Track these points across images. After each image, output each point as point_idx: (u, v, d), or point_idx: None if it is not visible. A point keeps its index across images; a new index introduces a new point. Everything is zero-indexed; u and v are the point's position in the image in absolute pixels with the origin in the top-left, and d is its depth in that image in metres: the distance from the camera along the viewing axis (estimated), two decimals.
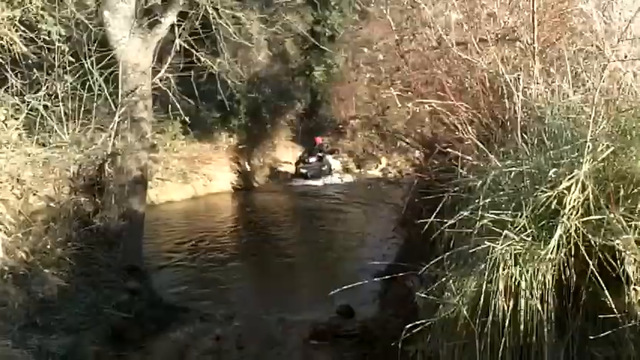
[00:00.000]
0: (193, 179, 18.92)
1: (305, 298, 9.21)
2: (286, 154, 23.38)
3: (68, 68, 8.53)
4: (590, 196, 2.87)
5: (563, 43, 4.00)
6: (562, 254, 2.94)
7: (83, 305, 7.26)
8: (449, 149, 4.49)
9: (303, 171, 22.30)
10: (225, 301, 9.65)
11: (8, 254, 6.78)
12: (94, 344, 6.76)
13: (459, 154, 3.97)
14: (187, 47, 10.57)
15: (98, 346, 6.77)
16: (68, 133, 8.34)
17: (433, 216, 3.63)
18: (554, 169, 3.10)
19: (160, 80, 10.26)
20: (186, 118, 12.74)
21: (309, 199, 19.66)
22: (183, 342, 7.41)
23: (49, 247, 7.19)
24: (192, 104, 12.95)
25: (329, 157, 23.41)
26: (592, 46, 3.68)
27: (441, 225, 3.52)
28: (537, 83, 3.65)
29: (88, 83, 8.73)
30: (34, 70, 8.41)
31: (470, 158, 3.92)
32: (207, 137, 19.63)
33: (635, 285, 2.64)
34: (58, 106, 8.29)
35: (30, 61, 8.62)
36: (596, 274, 2.80)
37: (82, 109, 8.54)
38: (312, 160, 22.62)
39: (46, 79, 8.31)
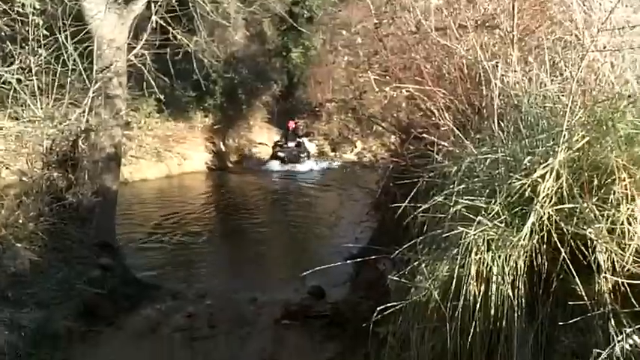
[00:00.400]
0: (167, 158, 18.80)
1: (277, 278, 9.23)
2: (262, 135, 23.26)
3: (42, 42, 8.37)
4: (564, 184, 2.90)
5: (543, 31, 4.03)
6: (534, 241, 2.97)
7: (55, 280, 7.23)
8: (425, 135, 4.51)
9: (281, 155, 21.84)
10: (197, 279, 9.66)
11: None
12: (66, 319, 6.74)
13: (435, 139, 3.99)
14: (164, 24, 10.44)
15: (70, 321, 6.76)
16: (41, 108, 8.24)
17: (407, 200, 3.64)
18: (529, 157, 3.12)
19: (136, 57, 10.14)
20: (161, 97, 12.68)
21: (283, 181, 19.64)
22: (155, 319, 7.40)
23: (21, 221, 7.14)
24: (168, 82, 12.89)
25: (306, 142, 23.01)
26: (571, 35, 3.70)
27: (414, 209, 3.54)
28: (515, 71, 3.67)
29: (62, 58, 8.59)
30: (8, 43, 8.28)
31: (445, 144, 3.94)
32: (182, 116, 19.50)
33: (605, 273, 2.68)
34: (31, 80, 8.17)
35: (3, 34, 8.49)
36: (568, 262, 2.84)
37: (56, 83, 8.42)
38: (291, 144, 22.18)
39: (20, 53, 8.18)
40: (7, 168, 7.55)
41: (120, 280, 8.39)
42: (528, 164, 3.09)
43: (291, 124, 23.04)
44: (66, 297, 7.11)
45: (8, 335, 5.88)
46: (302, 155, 22.22)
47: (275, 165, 21.88)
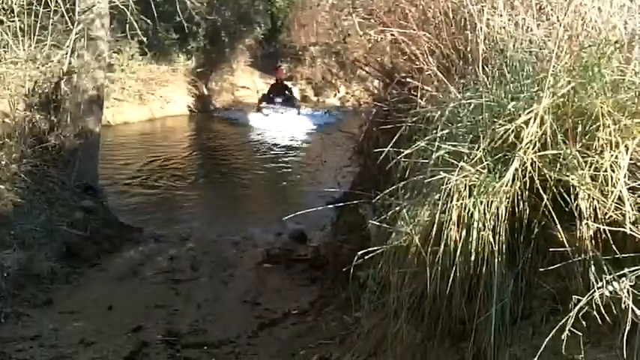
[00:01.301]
0: (150, 101, 18.68)
1: (259, 222, 9.25)
2: (245, 79, 23.06)
3: None
4: (548, 130, 2.87)
5: None
6: (516, 187, 2.96)
7: (38, 222, 7.28)
8: (408, 79, 4.46)
9: (266, 112, 20.08)
10: (180, 222, 9.66)
11: None
12: (49, 260, 6.82)
13: (419, 84, 3.94)
14: None
15: (53, 262, 6.82)
16: (24, 50, 8.16)
17: (390, 145, 3.61)
18: (514, 103, 3.09)
19: None
20: (144, 39, 12.51)
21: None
22: (138, 260, 7.47)
23: (3, 162, 7.16)
24: (150, 25, 12.67)
25: (296, 93, 21.50)
26: None
27: (397, 155, 3.51)
28: (501, 15, 3.61)
29: None
30: None
31: (429, 89, 3.89)
32: (164, 59, 19.29)
33: (587, 220, 2.68)
34: (13, 21, 8.08)
35: None
36: (550, 209, 2.84)
37: (38, 25, 8.32)
38: (279, 100, 20.31)
39: None
40: None
41: (102, 222, 8.45)
42: (512, 110, 3.06)
43: (281, 73, 21.74)
44: (49, 238, 7.17)
45: None
46: (289, 112, 20.18)
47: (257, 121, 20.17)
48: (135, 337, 5.52)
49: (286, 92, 20.66)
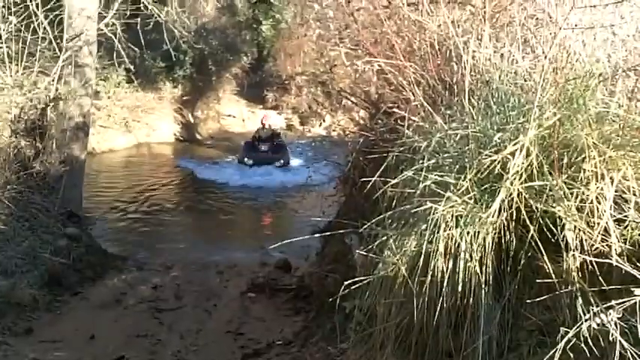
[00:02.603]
0: (136, 128, 18.63)
1: (244, 251, 9.20)
2: (231, 107, 23.11)
3: (13, 9, 8.29)
4: (534, 162, 2.89)
5: (515, 8, 4.01)
6: (503, 218, 2.97)
7: (21, 249, 7.24)
8: (395, 109, 4.48)
9: (248, 162, 16.87)
10: (163, 251, 9.59)
11: None
12: (31, 287, 6.74)
13: (405, 114, 3.96)
14: None
15: (35, 290, 6.74)
16: (11, 76, 8.19)
17: (376, 175, 3.62)
18: (500, 134, 3.11)
19: (106, 26, 10.04)
20: (131, 67, 12.56)
21: None
22: (121, 289, 7.40)
23: None
24: (138, 53, 12.73)
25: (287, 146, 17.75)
26: (543, 12, 3.69)
27: (384, 184, 3.52)
28: (487, 47, 3.65)
29: (32, 26, 8.54)
30: None
31: (416, 119, 3.91)
32: (151, 87, 19.30)
33: (573, 251, 2.69)
34: (1, 47, 8.12)
35: None
36: (536, 239, 2.85)
37: (26, 51, 8.39)
38: (264, 148, 17.27)
39: None
40: None
41: (86, 249, 8.38)
42: (499, 141, 3.08)
43: (265, 118, 18.38)
44: (31, 266, 7.11)
45: None
46: (277, 164, 16.89)
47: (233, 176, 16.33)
48: None
49: (273, 139, 17.47)
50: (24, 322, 6.28)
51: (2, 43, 8.12)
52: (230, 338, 6.29)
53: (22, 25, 8.39)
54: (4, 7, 8.22)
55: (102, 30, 9.89)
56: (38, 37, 8.61)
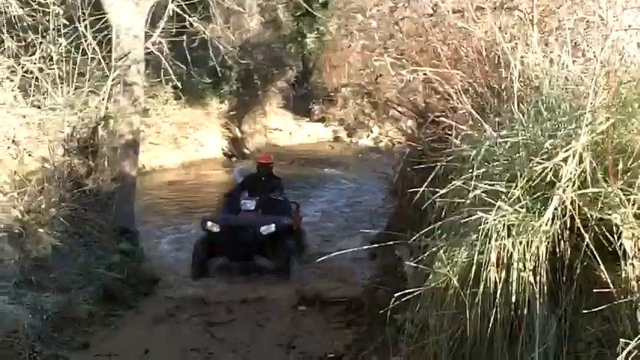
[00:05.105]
0: (184, 145, 18.83)
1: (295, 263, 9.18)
2: (277, 121, 23.21)
3: (62, 31, 8.52)
4: (588, 168, 2.83)
5: (564, 11, 3.94)
6: (556, 227, 2.91)
7: (76, 265, 7.39)
8: (442, 118, 4.44)
9: (214, 229, 9.33)
10: (214, 266, 9.61)
11: (4, 213, 6.94)
12: (87, 303, 6.86)
13: (453, 123, 3.92)
14: (180, 12, 10.45)
15: (91, 305, 6.86)
16: (62, 96, 8.42)
17: (425, 185, 3.58)
18: (551, 141, 3.05)
19: (153, 45, 10.19)
20: (178, 84, 12.71)
21: (305, 166, 19.31)
22: (173, 303, 7.44)
23: (43, 207, 7.32)
24: (184, 69, 12.89)
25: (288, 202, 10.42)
26: (594, 15, 3.61)
27: (432, 194, 3.48)
28: (535, 53, 3.59)
29: (81, 46, 8.77)
30: (29, 32, 8.42)
31: (464, 128, 3.87)
32: (198, 103, 19.49)
33: (632, 260, 2.61)
34: (52, 68, 8.35)
35: (25, 24, 8.60)
36: (592, 248, 2.77)
37: (76, 72, 8.59)
38: (249, 203, 9.58)
39: (41, 42, 8.38)
40: (29, 155, 7.70)
41: (138, 265, 8.50)
42: (550, 147, 3.02)
43: (268, 158, 11.00)
44: (86, 281, 7.25)
45: (31, 318, 5.96)
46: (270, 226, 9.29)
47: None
48: None
49: (269, 189, 9.96)
50: (80, 336, 6.39)
51: (54, 64, 8.32)
52: (282, 352, 6.28)
53: (71, 47, 8.59)
54: (54, 29, 8.42)
55: (149, 48, 10.05)
56: (88, 58, 8.81)
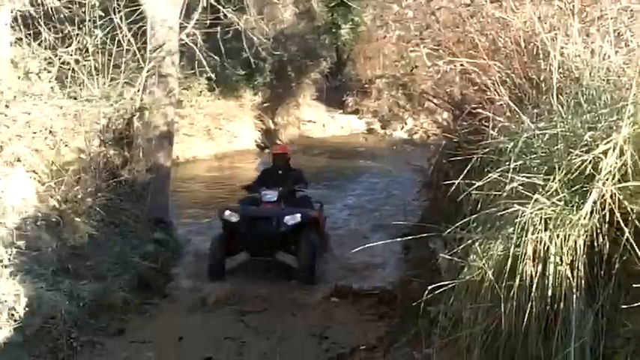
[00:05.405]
0: (218, 136, 18.90)
1: (327, 256, 9.17)
2: (311, 113, 23.17)
3: (98, 23, 8.65)
4: (629, 161, 2.78)
5: (606, 0, 3.87)
6: (595, 220, 2.86)
7: (112, 254, 7.53)
8: (479, 110, 4.39)
9: (232, 219, 8.40)
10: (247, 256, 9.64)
11: (41, 202, 7.06)
12: (122, 291, 6.98)
13: (490, 115, 3.88)
14: (214, 3, 10.52)
15: (126, 293, 6.97)
16: (98, 87, 8.52)
17: (460, 178, 3.56)
18: (591, 133, 3.01)
19: (187, 36, 10.26)
20: (212, 75, 12.77)
21: (338, 158, 19.27)
22: (206, 292, 7.50)
23: (79, 196, 7.45)
24: (218, 61, 12.93)
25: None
26: (638, 3, 3.54)
27: (468, 187, 3.45)
28: (575, 43, 3.53)
29: (117, 38, 8.84)
30: (66, 24, 8.54)
31: (501, 119, 3.83)
32: (232, 94, 19.53)
33: None
34: (88, 60, 8.49)
35: (62, 16, 8.71)
36: (632, 242, 2.72)
37: (112, 63, 8.69)
38: (271, 196, 8.61)
39: (77, 34, 8.49)
40: (66, 145, 7.81)
41: (172, 254, 8.59)
42: (589, 140, 2.98)
43: (285, 148, 10.98)
44: (122, 270, 7.38)
45: (68, 305, 6.10)
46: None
47: None
48: None
49: (292, 182, 9.16)
50: (116, 323, 6.50)
51: (89, 56, 8.42)
52: (314, 342, 6.30)
53: (107, 38, 8.70)
54: (90, 21, 8.52)
55: (183, 40, 10.11)
56: (123, 49, 8.91)
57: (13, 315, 5.53)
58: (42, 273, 6.30)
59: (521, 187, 3.13)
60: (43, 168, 7.26)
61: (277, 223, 8.27)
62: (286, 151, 9.93)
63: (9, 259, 5.99)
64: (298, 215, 8.33)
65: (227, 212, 8.45)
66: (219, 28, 11.69)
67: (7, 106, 6.57)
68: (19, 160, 6.72)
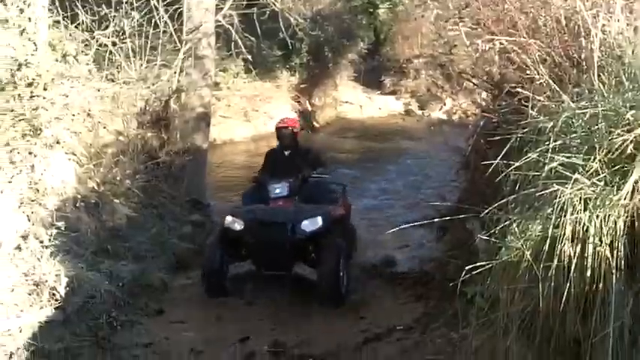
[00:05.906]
0: (254, 118, 18.94)
1: (366, 236, 9.15)
2: (348, 94, 23.06)
3: (135, 5, 8.69)
4: None
5: None
6: (636, 201, 2.83)
7: (150, 235, 7.61)
8: (518, 89, 4.34)
9: (236, 227, 6.92)
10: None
11: (80, 184, 7.17)
12: (160, 271, 7.07)
13: (530, 94, 3.83)
14: None
15: (164, 274, 7.06)
16: (135, 69, 8.58)
17: (499, 158, 3.53)
18: (633, 112, 2.96)
19: (223, 18, 10.28)
20: (249, 57, 12.78)
21: (375, 140, 19.16)
22: (244, 273, 7.55)
23: (118, 178, 7.56)
24: (255, 42, 12.93)
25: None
26: None
27: (506, 167, 3.43)
28: (618, 20, 3.46)
29: (153, 20, 8.88)
30: (103, 6, 8.61)
31: (541, 99, 3.78)
32: (268, 76, 19.54)
33: None
34: (125, 42, 8.54)
35: None
36: None
37: (148, 45, 8.72)
38: (280, 190, 7.07)
39: (114, 16, 8.55)
40: (104, 128, 7.88)
41: (209, 235, 8.66)
42: (631, 119, 2.93)
43: (294, 122, 8.32)
44: (160, 251, 7.48)
45: (108, 285, 6.24)
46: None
47: None
48: (242, 348, 5.63)
49: (307, 165, 7.41)
50: (154, 303, 6.59)
51: (126, 38, 8.48)
52: (351, 321, 6.32)
53: (144, 21, 8.75)
54: (126, 3, 8.57)
55: (219, 21, 10.13)
56: (159, 31, 8.95)
57: (54, 295, 5.65)
58: (81, 253, 6.43)
59: (560, 167, 3.10)
60: (81, 150, 7.34)
61: (292, 229, 6.79)
62: (294, 125, 7.87)
63: (49, 239, 6.10)
64: (319, 218, 6.82)
65: (229, 219, 7.00)
66: (255, 9, 11.70)
67: (45, 89, 6.65)
68: (58, 143, 6.81)
